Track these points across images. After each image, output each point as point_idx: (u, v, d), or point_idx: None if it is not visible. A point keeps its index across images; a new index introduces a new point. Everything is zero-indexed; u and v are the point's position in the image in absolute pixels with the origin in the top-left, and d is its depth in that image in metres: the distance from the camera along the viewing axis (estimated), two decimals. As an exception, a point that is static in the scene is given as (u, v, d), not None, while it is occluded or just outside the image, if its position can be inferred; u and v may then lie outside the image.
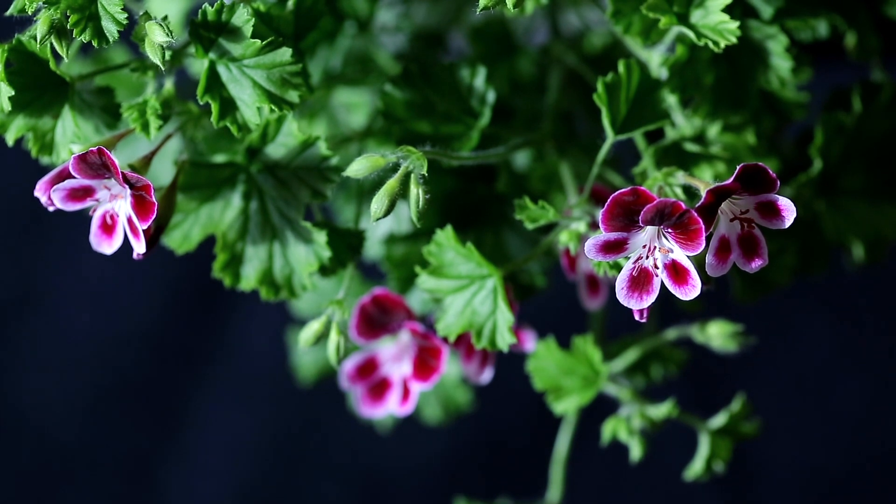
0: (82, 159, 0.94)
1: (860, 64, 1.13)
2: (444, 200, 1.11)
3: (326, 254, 1.01)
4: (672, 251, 0.92)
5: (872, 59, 1.12)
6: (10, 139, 1.00)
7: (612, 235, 0.92)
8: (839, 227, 1.11)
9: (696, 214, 0.90)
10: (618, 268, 0.96)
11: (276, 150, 1.01)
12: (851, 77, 1.11)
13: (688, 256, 0.92)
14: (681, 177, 0.98)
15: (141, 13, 0.96)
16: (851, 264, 1.14)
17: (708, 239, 0.92)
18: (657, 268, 0.92)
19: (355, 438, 1.63)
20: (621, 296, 0.93)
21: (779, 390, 1.64)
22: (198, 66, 1.04)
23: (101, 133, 1.00)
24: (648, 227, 0.92)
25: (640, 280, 0.93)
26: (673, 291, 0.92)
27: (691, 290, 0.92)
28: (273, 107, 0.97)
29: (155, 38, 0.95)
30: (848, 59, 1.12)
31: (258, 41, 0.96)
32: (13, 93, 0.96)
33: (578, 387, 1.06)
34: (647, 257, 0.93)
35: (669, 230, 0.91)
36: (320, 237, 1.01)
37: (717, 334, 1.08)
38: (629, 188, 0.91)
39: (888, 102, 1.10)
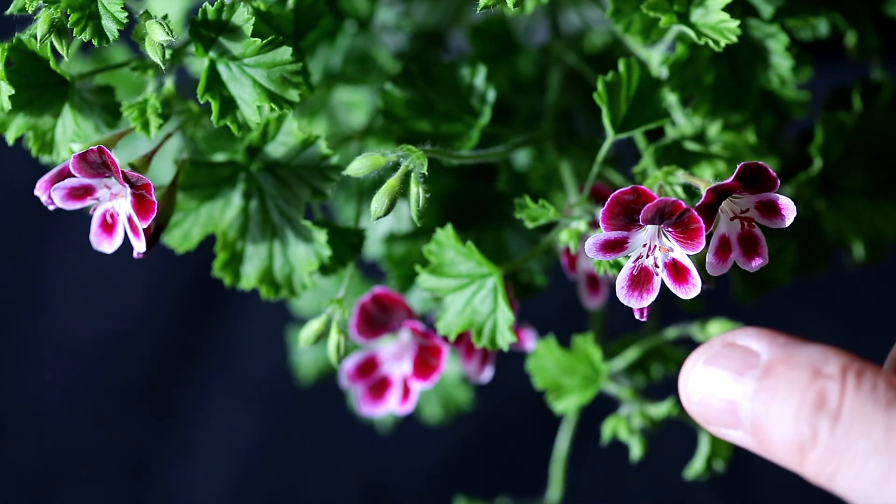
0: (82, 158, 0.93)
1: (860, 63, 1.13)
2: (445, 199, 1.11)
3: (327, 252, 1.01)
4: (672, 250, 0.92)
5: (873, 58, 1.12)
6: (10, 138, 1.00)
7: (613, 234, 0.92)
8: (839, 226, 1.11)
9: (696, 213, 0.90)
10: (618, 267, 0.96)
11: (277, 148, 1.01)
12: (852, 76, 1.11)
13: (688, 255, 0.92)
14: (681, 176, 0.98)
15: (141, 12, 0.96)
16: (851, 264, 1.14)
17: (708, 238, 0.92)
18: (657, 267, 0.92)
19: (355, 438, 1.63)
20: (621, 295, 0.93)
21: (779, 390, 1.64)
22: (198, 64, 1.04)
23: (101, 132, 1.00)
24: (649, 226, 0.92)
25: (641, 279, 0.93)
26: (673, 290, 0.92)
27: (691, 289, 0.92)
28: (273, 106, 0.97)
29: (155, 37, 0.95)
30: (848, 59, 1.12)
31: (258, 40, 0.96)
32: (13, 91, 0.96)
33: (578, 386, 1.06)
34: (648, 256, 0.93)
35: (670, 229, 0.91)
36: (320, 236, 1.01)
37: (718, 333, 1.08)
38: (629, 187, 0.91)
39: (888, 102, 1.10)
